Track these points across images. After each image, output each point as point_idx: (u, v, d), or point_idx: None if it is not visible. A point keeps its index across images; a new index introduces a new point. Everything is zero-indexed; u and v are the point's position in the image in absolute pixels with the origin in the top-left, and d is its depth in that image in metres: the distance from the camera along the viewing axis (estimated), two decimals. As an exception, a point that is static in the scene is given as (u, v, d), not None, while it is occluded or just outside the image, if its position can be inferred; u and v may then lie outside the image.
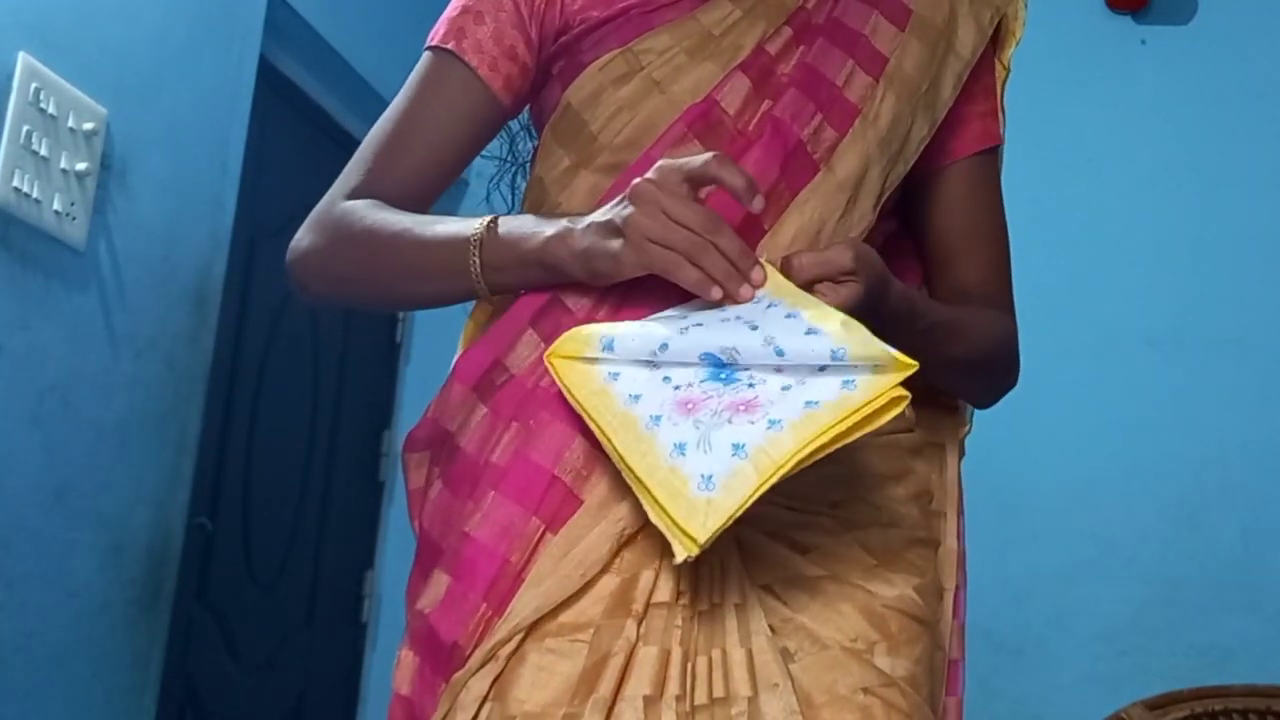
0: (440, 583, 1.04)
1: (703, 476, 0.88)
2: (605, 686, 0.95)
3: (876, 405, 0.88)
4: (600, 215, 1.00)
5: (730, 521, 0.87)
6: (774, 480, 0.86)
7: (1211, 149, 3.12)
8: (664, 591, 0.99)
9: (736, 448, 0.88)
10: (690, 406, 0.92)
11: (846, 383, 0.89)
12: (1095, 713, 2.54)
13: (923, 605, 1.05)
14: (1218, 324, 3.02)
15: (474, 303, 1.20)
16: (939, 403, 1.21)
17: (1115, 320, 3.08)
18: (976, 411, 1.25)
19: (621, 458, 0.94)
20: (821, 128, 1.11)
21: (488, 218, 1.08)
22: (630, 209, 0.97)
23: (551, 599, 0.98)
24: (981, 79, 1.22)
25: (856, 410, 0.87)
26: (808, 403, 0.88)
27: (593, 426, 0.97)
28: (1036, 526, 2.98)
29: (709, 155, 0.98)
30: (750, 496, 0.87)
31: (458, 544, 1.04)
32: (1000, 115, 1.23)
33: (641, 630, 0.97)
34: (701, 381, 0.94)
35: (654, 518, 0.91)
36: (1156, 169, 3.15)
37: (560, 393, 1.03)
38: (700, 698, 0.96)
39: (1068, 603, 2.95)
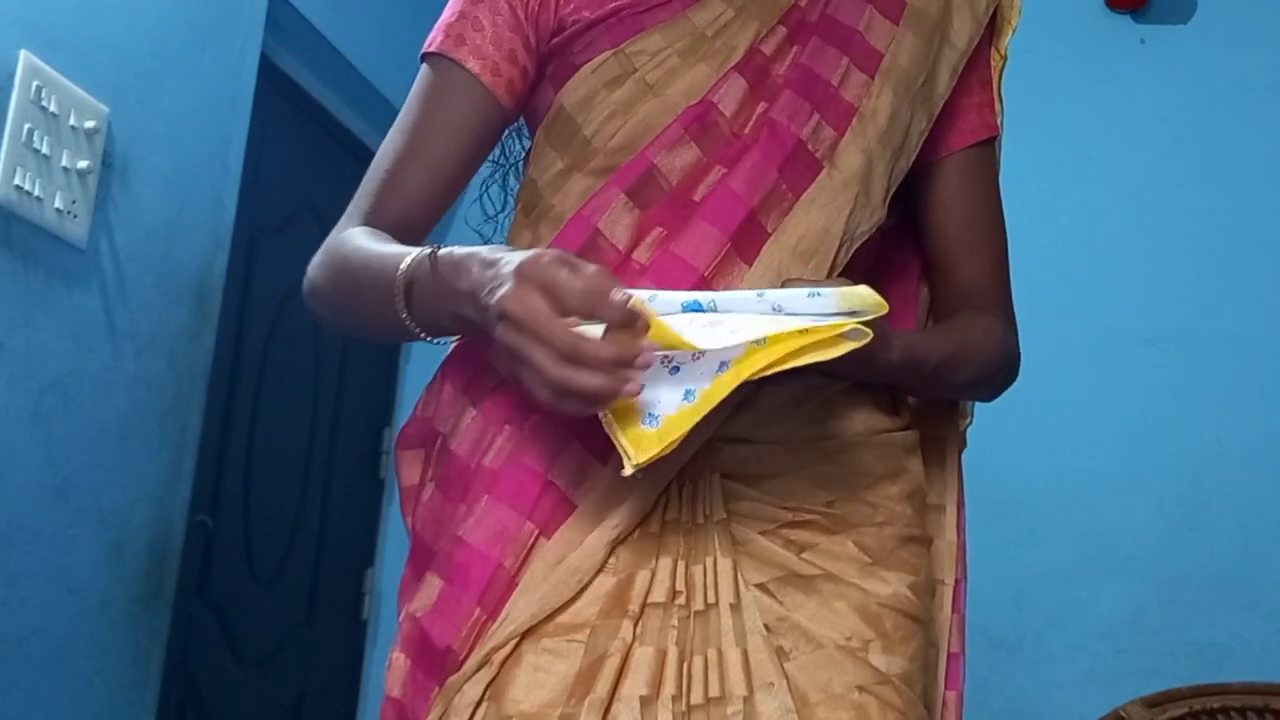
0: (433, 586, 1.04)
1: (650, 416, 0.89)
2: (601, 687, 0.95)
3: (822, 335, 0.87)
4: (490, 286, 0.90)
5: (665, 445, 0.87)
6: (706, 411, 0.87)
7: (1210, 148, 3.12)
8: (660, 592, 0.99)
9: (688, 393, 0.89)
10: (669, 360, 0.92)
11: (804, 328, 0.89)
12: (1094, 710, 2.54)
13: (917, 603, 1.05)
14: (1217, 323, 3.03)
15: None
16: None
17: (1114, 319, 3.08)
18: (975, 409, 1.26)
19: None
20: (820, 127, 1.10)
21: (412, 259, 0.99)
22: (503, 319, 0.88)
23: (547, 605, 0.98)
24: (977, 69, 1.21)
25: (798, 345, 0.87)
26: (759, 340, 0.88)
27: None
28: (1035, 525, 2.99)
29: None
30: (682, 427, 0.87)
31: (450, 547, 1.04)
32: (998, 106, 1.23)
33: (637, 631, 0.98)
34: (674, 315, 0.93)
35: (614, 437, 0.91)
36: (1155, 168, 3.15)
37: None
38: (696, 697, 0.96)
39: (1066, 601, 2.96)
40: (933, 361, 1.07)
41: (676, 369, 0.91)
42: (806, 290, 0.91)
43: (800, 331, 0.87)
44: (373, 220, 1.13)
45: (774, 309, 0.91)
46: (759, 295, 0.92)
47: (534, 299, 0.86)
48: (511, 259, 0.90)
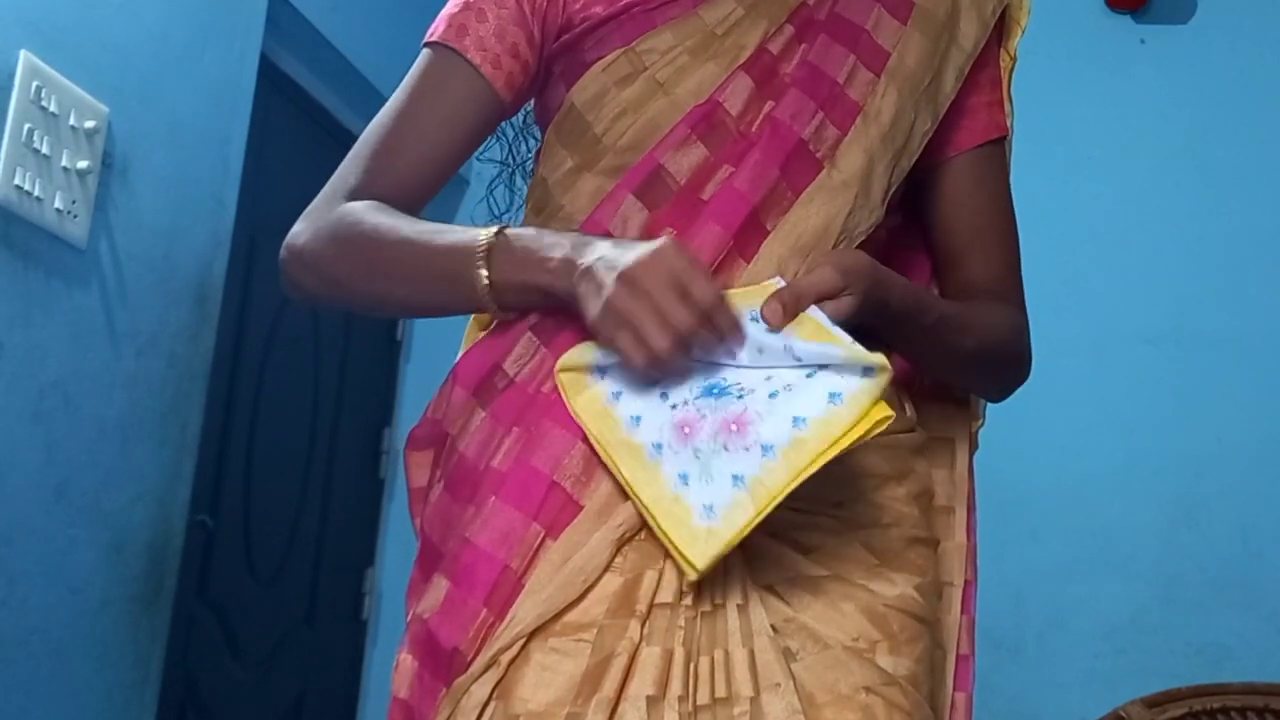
0: (440, 587, 1.04)
1: (705, 507, 0.93)
2: (609, 686, 0.95)
3: (863, 427, 0.91)
4: (598, 263, 0.97)
5: (729, 548, 0.92)
6: (769, 509, 0.92)
7: (1210, 148, 3.12)
8: (667, 592, 0.99)
9: (736, 479, 0.92)
10: (687, 432, 0.95)
11: (833, 395, 0.91)
12: (1094, 710, 2.54)
13: (923, 604, 1.06)
14: (1217, 323, 3.03)
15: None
16: (950, 397, 1.20)
17: (1114, 319, 3.08)
18: (984, 409, 1.26)
19: (629, 484, 0.98)
20: (823, 126, 1.10)
21: (494, 229, 1.05)
22: (614, 289, 0.95)
23: (553, 606, 0.98)
24: (986, 69, 1.21)
25: (843, 434, 0.90)
26: (795, 419, 0.91)
27: (599, 450, 1.00)
28: (1036, 524, 2.99)
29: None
30: (748, 526, 0.92)
31: (458, 549, 1.04)
32: (1007, 105, 1.23)
33: (645, 630, 0.98)
34: (696, 399, 0.96)
35: (661, 538, 0.96)
36: (1155, 168, 3.15)
37: (560, 398, 1.04)
38: (703, 698, 0.96)
39: (1067, 601, 2.96)
40: (937, 311, 1.07)
41: (714, 450, 0.94)
42: (818, 353, 0.94)
43: (838, 416, 0.90)
44: (359, 196, 1.13)
45: (794, 358, 0.94)
46: (752, 318, 0.96)
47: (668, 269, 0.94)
48: (630, 246, 0.97)
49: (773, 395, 0.93)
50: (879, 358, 0.92)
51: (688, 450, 0.94)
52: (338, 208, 1.13)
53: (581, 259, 0.98)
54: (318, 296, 1.18)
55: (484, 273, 1.03)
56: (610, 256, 0.96)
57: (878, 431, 0.91)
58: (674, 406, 0.96)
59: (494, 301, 1.04)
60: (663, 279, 0.93)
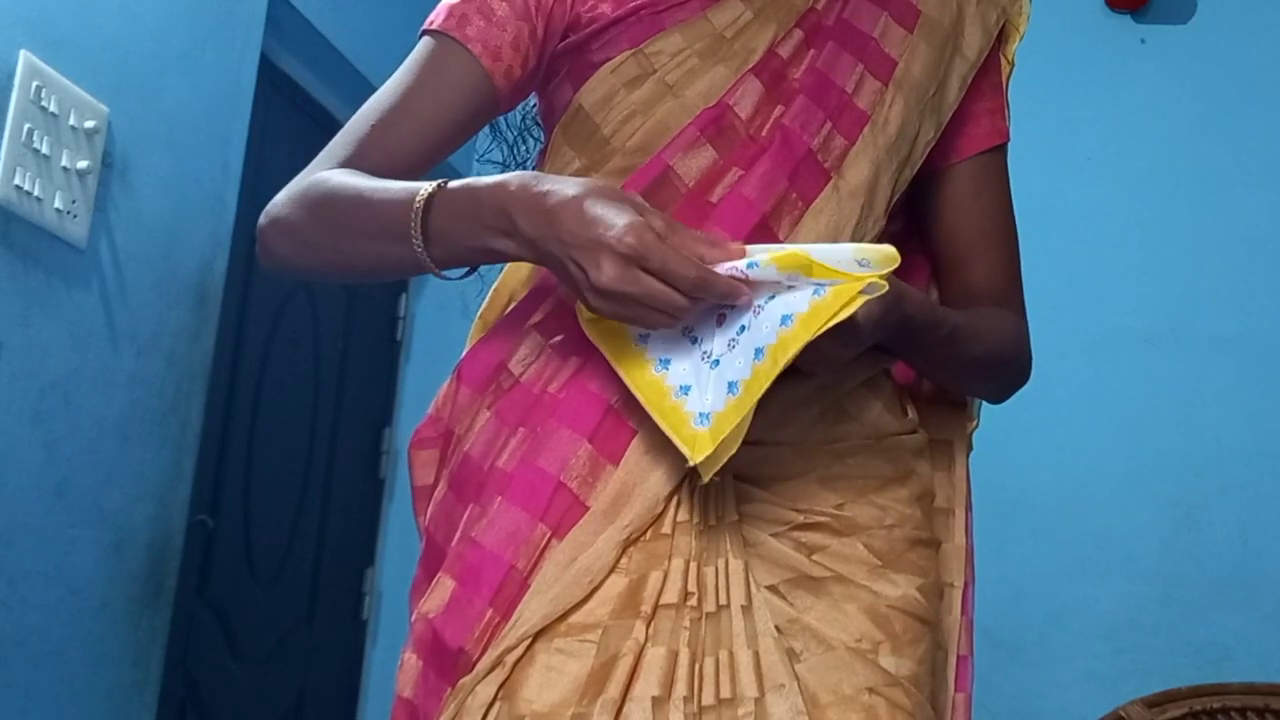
0: (445, 587, 1.04)
1: (700, 415, 0.94)
2: (614, 687, 0.96)
3: (844, 300, 0.90)
4: (580, 224, 0.93)
5: (719, 448, 0.92)
6: (752, 404, 0.92)
7: (1210, 148, 3.12)
8: (672, 593, 0.99)
9: (731, 386, 0.93)
10: (701, 344, 0.97)
11: (818, 289, 0.91)
12: (1094, 710, 2.55)
13: (925, 605, 1.06)
14: (1216, 323, 3.03)
15: (482, 303, 1.20)
16: (946, 400, 1.21)
17: (1114, 319, 3.08)
18: (980, 410, 1.26)
19: (634, 389, 0.99)
20: (831, 136, 1.11)
21: (440, 181, 1.01)
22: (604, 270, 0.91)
23: (559, 606, 0.98)
24: (988, 76, 1.21)
25: (828, 315, 0.90)
26: (783, 317, 0.91)
27: (610, 359, 1.00)
28: (1035, 525, 2.99)
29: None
30: (741, 426, 0.92)
31: (463, 549, 1.04)
32: (1006, 111, 1.23)
33: (650, 631, 0.98)
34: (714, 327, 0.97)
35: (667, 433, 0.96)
36: (1155, 168, 3.15)
37: (566, 398, 1.04)
38: (708, 699, 0.97)
39: (1066, 601, 2.96)
40: (949, 323, 1.07)
41: (716, 362, 0.94)
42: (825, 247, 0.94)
43: (820, 305, 0.90)
44: (346, 166, 1.11)
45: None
46: (750, 265, 0.94)
47: (649, 235, 0.91)
48: (578, 189, 0.94)
49: (771, 298, 0.93)
50: (888, 251, 0.92)
51: (705, 365, 0.95)
52: (315, 174, 1.11)
53: (545, 186, 0.95)
54: (287, 263, 1.14)
55: (418, 225, 0.99)
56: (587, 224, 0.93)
57: (857, 307, 0.90)
58: (695, 340, 0.97)
59: (430, 257, 1.00)
60: (641, 282, 0.91)
